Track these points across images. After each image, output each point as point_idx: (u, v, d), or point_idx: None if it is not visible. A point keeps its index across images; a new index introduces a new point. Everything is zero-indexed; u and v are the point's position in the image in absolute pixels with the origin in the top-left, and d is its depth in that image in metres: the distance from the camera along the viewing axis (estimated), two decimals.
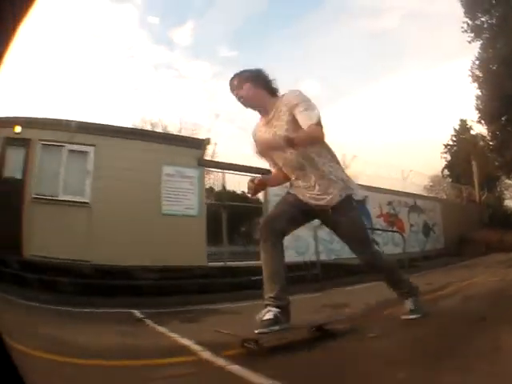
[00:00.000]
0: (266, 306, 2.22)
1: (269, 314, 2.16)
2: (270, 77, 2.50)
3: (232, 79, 2.47)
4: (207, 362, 1.98)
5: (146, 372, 1.90)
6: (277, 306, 2.19)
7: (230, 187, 8.91)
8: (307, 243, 7.69)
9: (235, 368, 1.82)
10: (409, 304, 2.57)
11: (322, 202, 2.40)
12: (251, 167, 7.17)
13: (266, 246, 2.34)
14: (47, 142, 6.50)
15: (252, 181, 2.43)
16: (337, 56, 32.63)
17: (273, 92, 2.46)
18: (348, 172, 2.86)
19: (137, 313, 3.89)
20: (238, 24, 28.54)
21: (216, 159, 8.87)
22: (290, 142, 2.17)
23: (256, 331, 2.08)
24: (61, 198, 6.42)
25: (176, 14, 29.71)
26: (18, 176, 6.44)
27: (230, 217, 8.51)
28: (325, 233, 6.68)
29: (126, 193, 6.39)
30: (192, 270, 6.40)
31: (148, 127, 18.45)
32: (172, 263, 6.35)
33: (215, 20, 27.37)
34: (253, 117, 2.56)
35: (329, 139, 2.39)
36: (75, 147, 6.54)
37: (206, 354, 2.10)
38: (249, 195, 3.00)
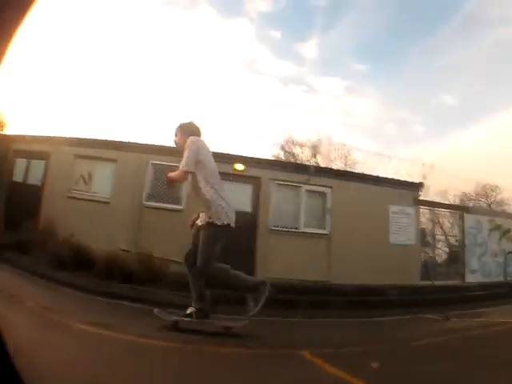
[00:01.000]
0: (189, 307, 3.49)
1: (188, 310, 3.48)
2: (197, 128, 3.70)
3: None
4: None
5: None
6: (194, 307, 3.45)
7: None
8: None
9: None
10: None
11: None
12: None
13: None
14: (283, 182, 7.98)
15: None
16: (473, 68, 28.91)
17: None
18: None
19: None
20: (367, 37, 27.97)
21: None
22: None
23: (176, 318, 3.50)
24: (301, 230, 7.72)
25: (300, 28, 28.50)
26: (248, 209, 8.00)
27: None
28: None
29: (360, 226, 7.37)
30: (407, 287, 7.32)
31: (297, 148, 19.32)
32: (395, 282, 7.25)
33: (343, 33, 27.22)
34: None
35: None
36: (313, 188, 7.88)
37: None
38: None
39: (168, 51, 27.00)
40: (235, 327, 3.54)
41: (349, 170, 7.78)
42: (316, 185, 7.88)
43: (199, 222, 3.58)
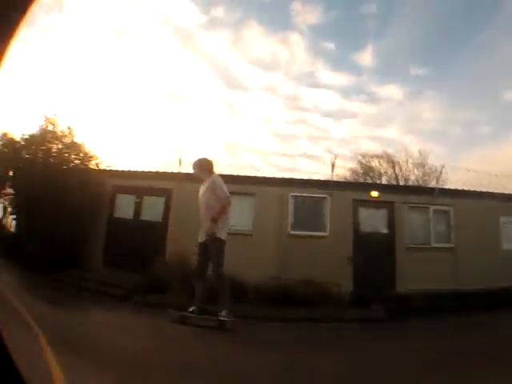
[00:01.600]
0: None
1: (190, 308, 4.68)
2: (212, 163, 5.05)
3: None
4: None
5: None
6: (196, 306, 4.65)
7: None
8: None
9: None
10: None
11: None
12: None
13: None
14: (413, 205, 9.03)
15: None
16: None
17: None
18: None
19: None
20: (421, 40, 27.65)
21: None
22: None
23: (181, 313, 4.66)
24: (433, 245, 8.83)
25: (353, 37, 27.35)
26: (385, 230, 9.02)
27: None
28: None
29: (477, 237, 8.56)
30: None
31: (374, 160, 19.47)
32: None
33: (396, 39, 27.44)
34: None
35: None
36: (438, 207, 8.99)
37: None
38: None
39: (228, 75, 26.24)
40: (228, 322, 4.58)
41: (465, 189, 8.82)
42: (441, 204, 8.98)
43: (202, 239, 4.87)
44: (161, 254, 8.43)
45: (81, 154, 9.80)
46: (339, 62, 26.89)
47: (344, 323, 6.33)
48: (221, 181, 4.98)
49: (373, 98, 27.01)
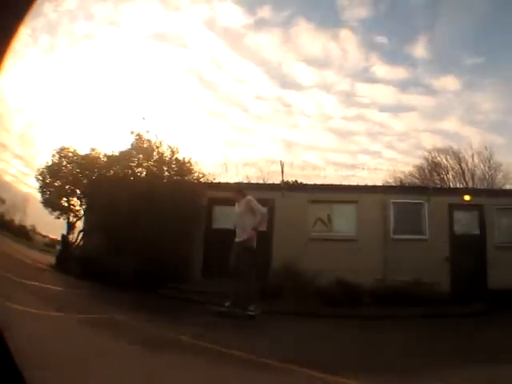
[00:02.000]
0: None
1: (226, 303, 5.67)
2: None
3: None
4: None
5: None
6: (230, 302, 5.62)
7: None
8: None
9: None
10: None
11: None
12: None
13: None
14: (501, 206, 9.79)
15: None
16: None
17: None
18: None
19: None
20: (474, 29, 25.07)
21: None
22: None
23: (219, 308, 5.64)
24: None
25: (405, 30, 26.60)
26: (476, 231, 9.77)
27: None
28: None
29: None
30: None
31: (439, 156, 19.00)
32: None
33: (449, 29, 25.70)
34: None
35: None
36: None
37: None
38: None
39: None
40: (255, 315, 5.50)
41: None
42: None
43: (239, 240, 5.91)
44: (266, 263, 8.84)
45: (174, 167, 10.03)
46: (393, 56, 26.36)
47: (459, 318, 7.09)
48: (255, 200, 6.10)
49: (430, 90, 26.99)
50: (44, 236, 15.86)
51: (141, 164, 9.93)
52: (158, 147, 10.03)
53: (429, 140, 37.60)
